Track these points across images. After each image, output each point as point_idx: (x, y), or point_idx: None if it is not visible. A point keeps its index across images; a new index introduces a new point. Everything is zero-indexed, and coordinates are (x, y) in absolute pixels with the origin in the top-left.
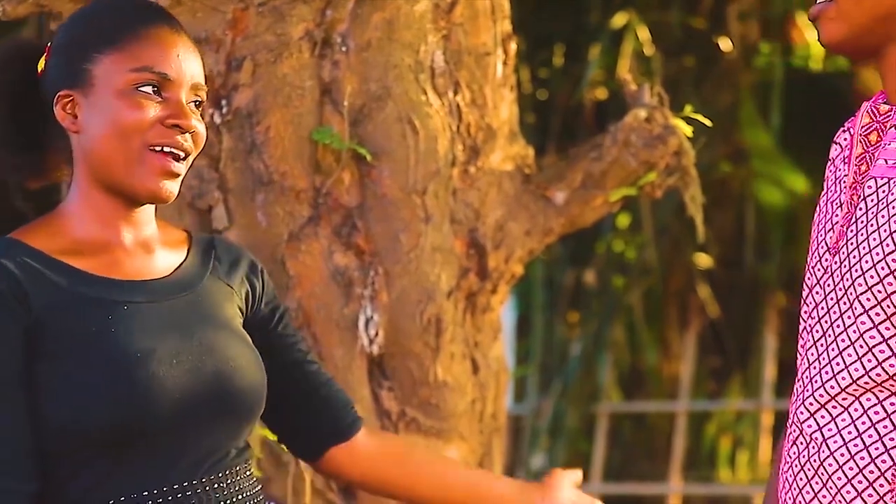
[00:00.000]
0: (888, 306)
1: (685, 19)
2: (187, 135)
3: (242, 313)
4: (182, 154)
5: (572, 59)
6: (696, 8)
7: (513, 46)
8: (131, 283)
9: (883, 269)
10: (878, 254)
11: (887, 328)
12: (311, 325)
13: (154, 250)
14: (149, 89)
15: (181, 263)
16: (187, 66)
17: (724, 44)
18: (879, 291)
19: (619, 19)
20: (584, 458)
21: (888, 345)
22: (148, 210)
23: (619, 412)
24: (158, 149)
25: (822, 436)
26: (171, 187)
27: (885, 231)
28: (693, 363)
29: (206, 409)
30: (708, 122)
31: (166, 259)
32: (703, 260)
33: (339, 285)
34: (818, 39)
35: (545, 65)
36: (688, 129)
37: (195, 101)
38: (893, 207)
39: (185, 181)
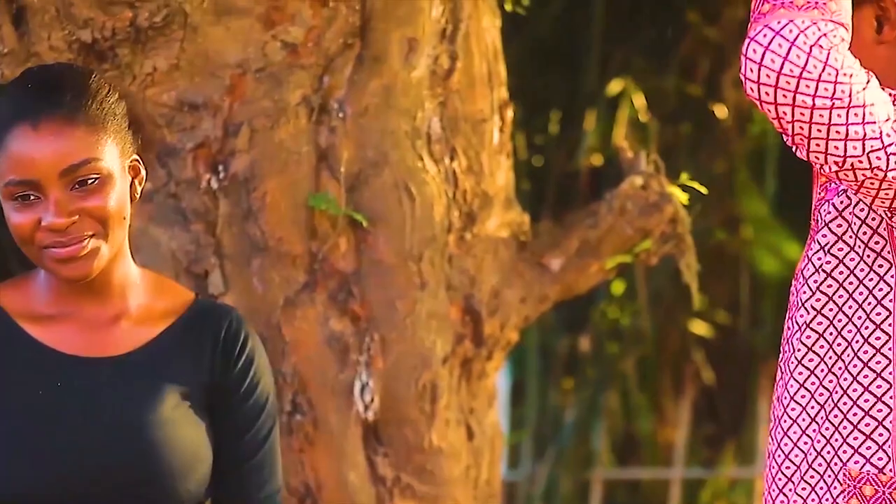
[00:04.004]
0: None
1: (680, 86)
2: (81, 221)
3: (206, 390)
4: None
5: (568, 125)
6: (692, 75)
7: (509, 113)
8: (78, 360)
9: None
10: None
11: None
12: (306, 390)
13: (121, 324)
14: (24, 198)
15: (153, 339)
16: (52, 159)
17: (720, 111)
18: None
19: (614, 86)
20: None
21: None
22: (104, 285)
23: (613, 479)
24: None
25: None
26: (84, 267)
27: None
28: (687, 430)
29: (124, 495)
30: (703, 190)
31: (135, 334)
32: (698, 327)
33: (335, 351)
34: None
35: (541, 131)
36: (683, 197)
37: (80, 181)
38: None
39: (181, 246)
